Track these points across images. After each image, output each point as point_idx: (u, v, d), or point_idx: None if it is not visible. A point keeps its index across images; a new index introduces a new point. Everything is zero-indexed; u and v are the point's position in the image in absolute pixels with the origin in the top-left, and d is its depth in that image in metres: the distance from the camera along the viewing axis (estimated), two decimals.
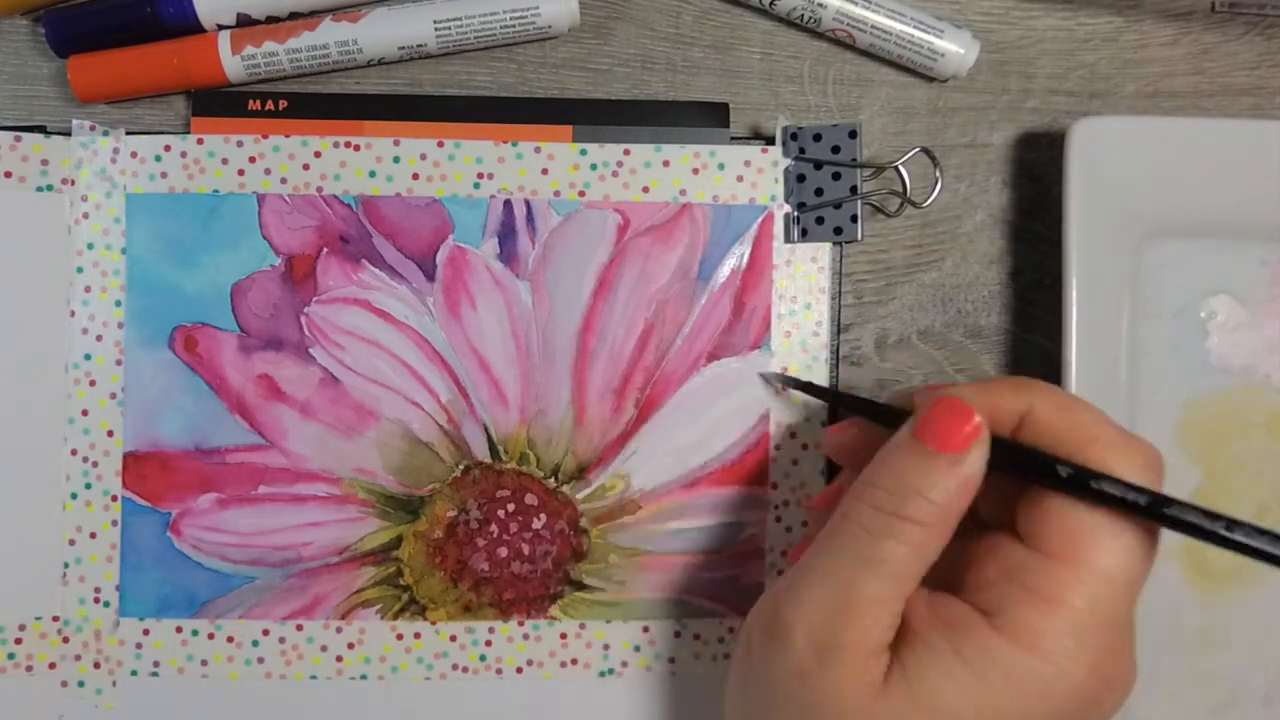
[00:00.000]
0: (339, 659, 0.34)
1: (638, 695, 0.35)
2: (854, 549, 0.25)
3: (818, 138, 0.34)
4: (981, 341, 0.36)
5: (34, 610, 0.33)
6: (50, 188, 0.33)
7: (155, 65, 0.33)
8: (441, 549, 0.34)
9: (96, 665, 0.33)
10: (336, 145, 0.34)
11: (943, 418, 0.25)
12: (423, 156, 0.34)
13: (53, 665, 0.33)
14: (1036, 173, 0.36)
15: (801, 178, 0.34)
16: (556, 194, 0.34)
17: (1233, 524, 0.22)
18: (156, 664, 0.34)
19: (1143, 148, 0.34)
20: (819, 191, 0.34)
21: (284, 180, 0.34)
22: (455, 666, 0.34)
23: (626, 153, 0.34)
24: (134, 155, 0.33)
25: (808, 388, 0.33)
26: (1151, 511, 0.23)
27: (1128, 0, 0.36)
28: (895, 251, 0.36)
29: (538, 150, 0.34)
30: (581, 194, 0.34)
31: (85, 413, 0.33)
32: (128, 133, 0.33)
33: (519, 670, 0.34)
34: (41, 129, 0.33)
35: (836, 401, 0.33)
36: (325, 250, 0.34)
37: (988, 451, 0.25)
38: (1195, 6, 0.37)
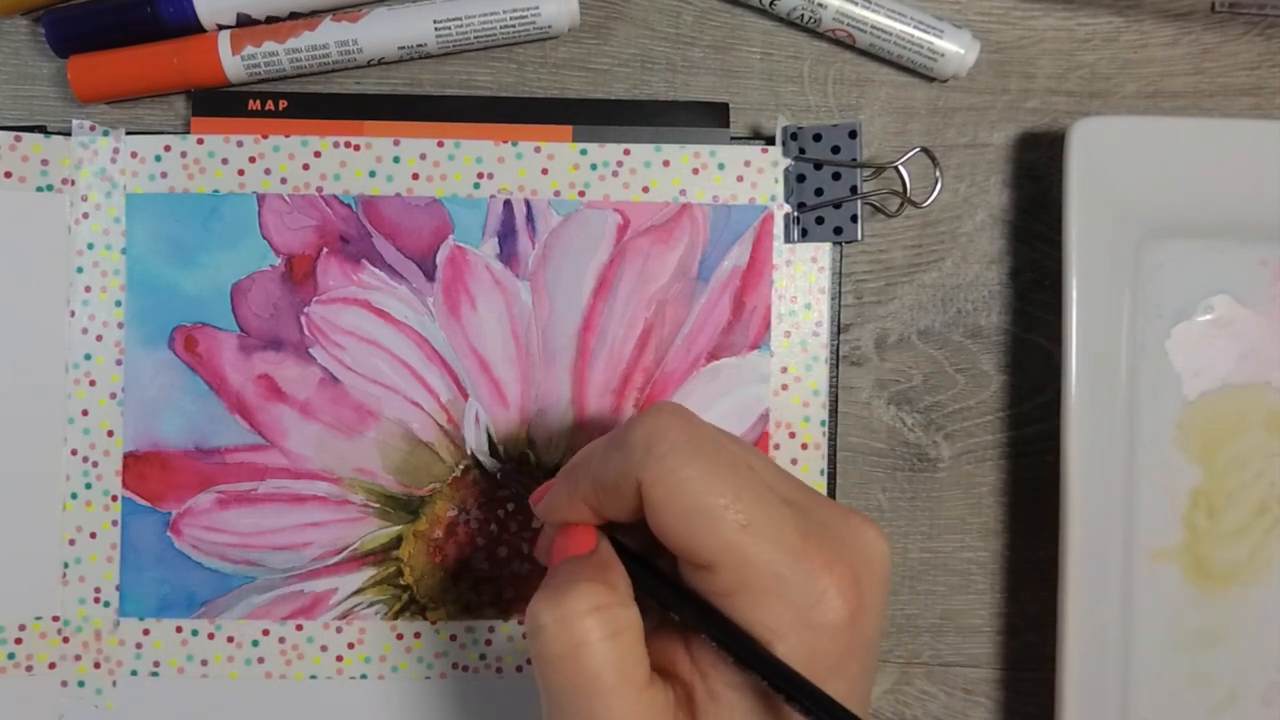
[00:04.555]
0: (339, 659, 0.34)
1: None
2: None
3: (818, 138, 0.34)
4: (981, 341, 0.36)
5: (34, 610, 0.33)
6: (50, 188, 0.33)
7: (155, 65, 0.33)
8: (441, 549, 0.34)
9: (96, 665, 0.33)
10: (336, 145, 0.34)
11: (563, 542, 0.27)
12: (423, 156, 0.34)
13: (53, 665, 0.33)
14: (1036, 173, 0.36)
15: (801, 178, 0.34)
16: (556, 194, 0.34)
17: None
18: (156, 664, 0.34)
19: (1143, 148, 0.34)
20: (819, 191, 0.34)
21: (284, 180, 0.34)
22: (455, 666, 0.34)
23: (626, 153, 0.34)
24: (134, 155, 0.33)
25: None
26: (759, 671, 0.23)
27: (1128, 0, 0.36)
28: (895, 251, 0.36)
29: (538, 150, 0.34)
30: (581, 194, 0.34)
31: (85, 413, 0.33)
32: (128, 133, 0.33)
33: (519, 670, 0.34)
34: (41, 129, 0.33)
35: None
36: (325, 250, 0.34)
37: (611, 547, 0.26)
38: (1195, 6, 0.37)
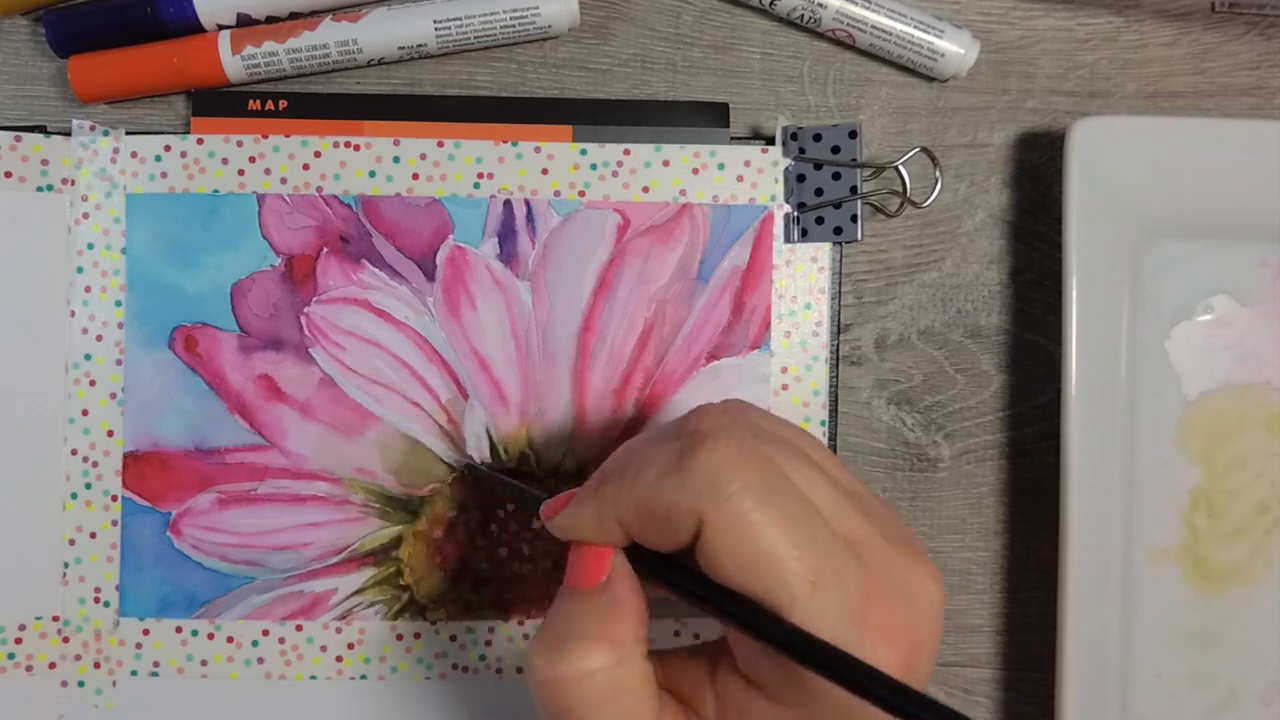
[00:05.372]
0: (339, 659, 0.34)
1: None
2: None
3: (818, 138, 0.34)
4: (981, 341, 0.36)
5: (34, 610, 0.33)
6: (50, 188, 0.33)
7: (155, 65, 0.33)
8: (441, 549, 0.34)
9: (96, 665, 0.33)
10: (336, 145, 0.34)
11: (578, 565, 0.25)
12: (423, 156, 0.34)
13: (53, 665, 0.33)
14: (1036, 173, 0.36)
15: (801, 178, 0.34)
16: (556, 194, 0.34)
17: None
18: (156, 664, 0.34)
19: (1143, 148, 0.34)
20: (819, 191, 0.34)
21: (284, 180, 0.34)
22: (455, 666, 0.34)
23: (626, 153, 0.34)
24: (134, 155, 0.33)
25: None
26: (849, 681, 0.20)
27: (1128, 0, 0.36)
28: (895, 251, 0.36)
29: (538, 150, 0.34)
30: (581, 194, 0.34)
31: (85, 413, 0.33)
32: (128, 133, 0.33)
33: (519, 670, 0.34)
34: (41, 129, 0.33)
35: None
36: (325, 250, 0.34)
37: (630, 572, 0.24)
38: (1195, 6, 0.37)
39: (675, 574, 0.23)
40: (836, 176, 0.34)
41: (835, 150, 0.34)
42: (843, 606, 0.22)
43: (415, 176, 0.34)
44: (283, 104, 0.34)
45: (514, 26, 0.34)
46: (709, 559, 0.22)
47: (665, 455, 0.23)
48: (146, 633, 0.34)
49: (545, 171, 0.34)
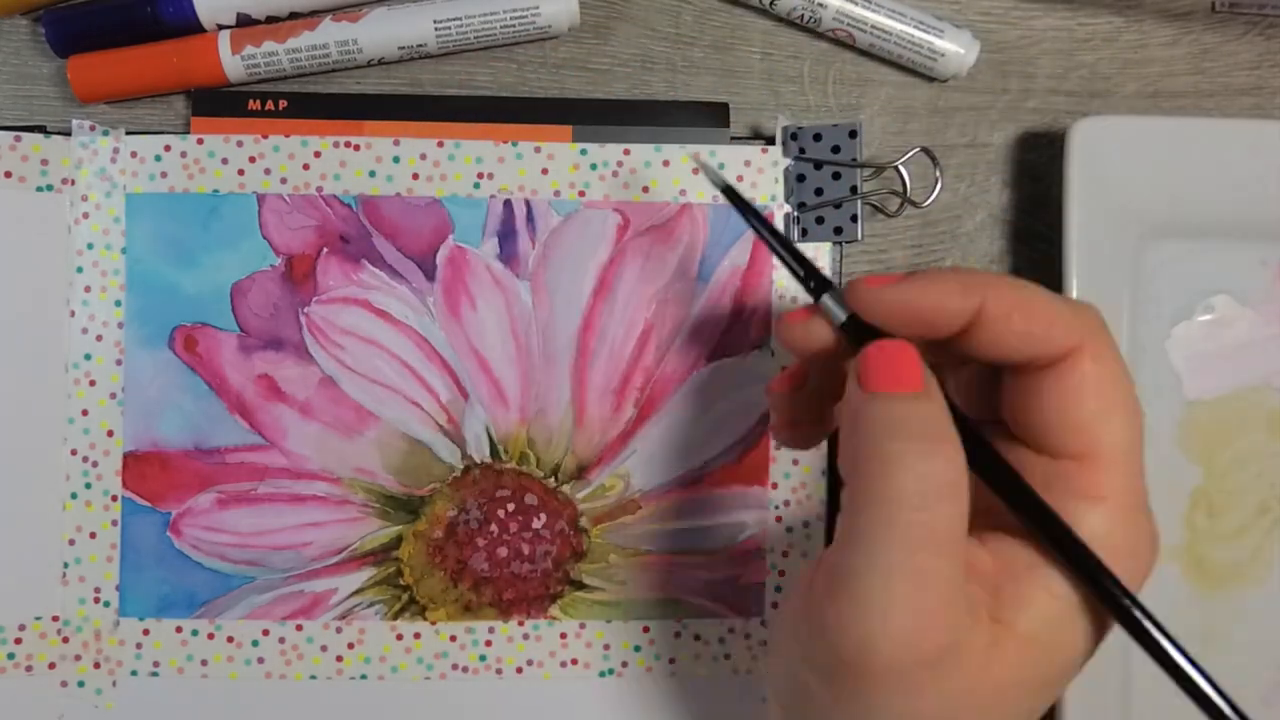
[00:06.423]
0: (339, 659, 0.34)
1: (638, 695, 0.35)
2: (898, 537, 0.22)
3: (818, 138, 0.34)
4: None
5: (34, 610, 0.33)
6: (50, 188, 0.33)
7: (155, 65, 0.33)
8: (441, 549, 0.34)
9: (96, 665, 0.33)
10: (336, 145, 0.34)
11: (885, 365, 0.23)
12: (423, 156, 0.34)
13: (53, 665, 0.33)
14: (1036, 173, 0.36)
15: (801, 178, 0.34)
16: (556, 194, 0.34)
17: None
18: (156, 664, 0.34)
19: (1143, 148, 0.34)
20: (819, 191, 0.34)
21: (284, 180, 0.34)
22: (455, 666, 0.34)
23: (626, 153, 0.34)
24: (134, 155, 0.33)
25: (742, 206, 0.29)
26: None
27: (1128, 0, 0.36)
28: (895, 251, 0.36)
29: (538, 150, 0.34)
30: (581, 194, 0.34)
31: (85, 413, 0.33)
32: (128, 133, 0.33)
33: (519, 670, 0.34)
34: (41, 129, 0.33)
35: (766, 238, 0.29)
36: (325, 250, 0.34)
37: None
38: (1195, 6, 0.37)
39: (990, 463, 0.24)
40: (836, 176, 0.34)
41: (835, 150, 0.34)
42: (1142, 476, 0.24)
43: (415, 176, 0.34)
44: (283, 104, 0.34)
45: (514, 26, 0.34)
46: (1066, 389, 0.23)
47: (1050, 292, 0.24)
48: (146, 633, 0.34)
49: (545, 171, 0.34)
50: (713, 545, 0.35)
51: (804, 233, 0.34)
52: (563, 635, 0.35)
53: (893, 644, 0.21)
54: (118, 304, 0.33)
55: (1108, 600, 0.23)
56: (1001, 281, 0.23)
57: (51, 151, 0.33)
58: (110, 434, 0.33)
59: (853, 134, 0.34)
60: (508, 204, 0.34)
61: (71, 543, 0.33)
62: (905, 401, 0.23)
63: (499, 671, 0.34)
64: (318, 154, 0.34)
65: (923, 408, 0.23)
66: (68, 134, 0.33)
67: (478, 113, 0.34)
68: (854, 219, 0.34)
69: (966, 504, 0.22)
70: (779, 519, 0.35)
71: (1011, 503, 0.23)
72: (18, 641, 0.33)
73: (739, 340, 0.34)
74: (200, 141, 0.33)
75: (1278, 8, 0.36)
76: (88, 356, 0.33)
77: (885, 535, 0.22)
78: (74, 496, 0.33)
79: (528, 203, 0.34)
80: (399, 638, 0.34)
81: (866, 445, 0.22)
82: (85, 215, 0.33)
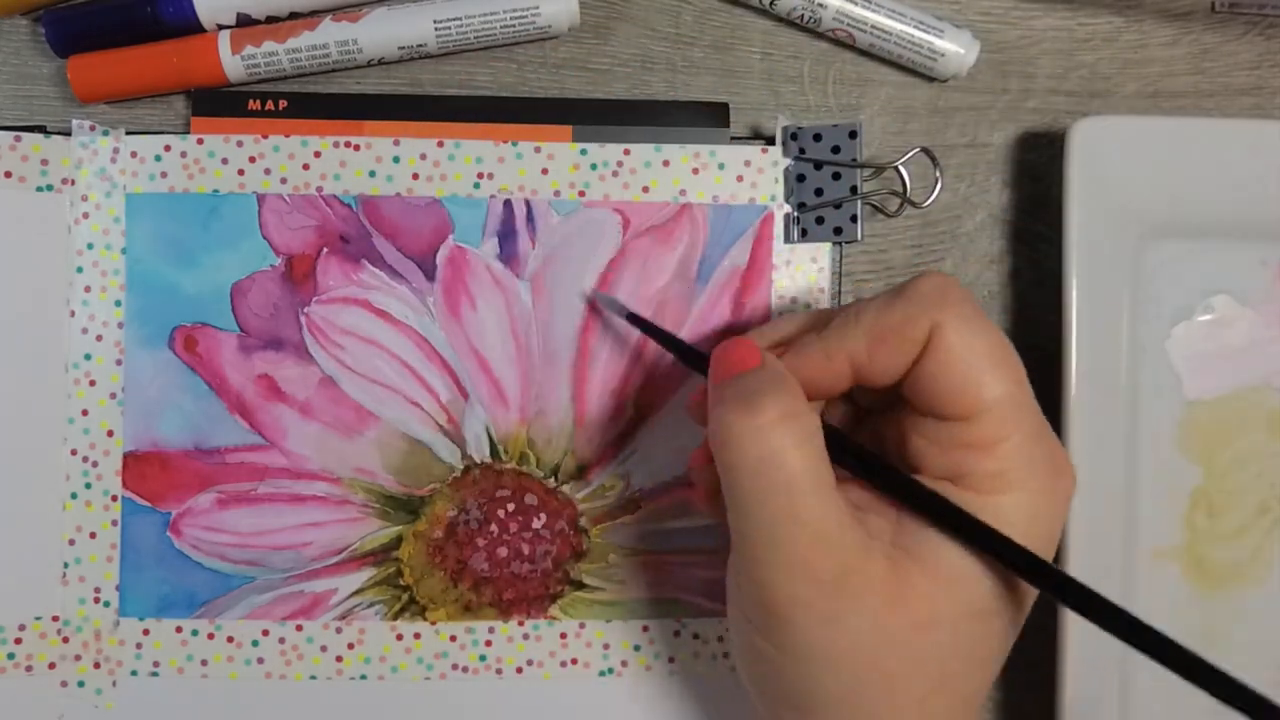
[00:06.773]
0: (339, 659, 0.34)
1: (638, 695, 0.35)
2: (758, 488, 0.24)
3: (818, 138, 0.34)
4: None
5: (34, 610, 0.33)
6: (50, 188, 0.33)
7: (155, 65, 0.33)
8: (441, 549, 0.34)
9: (96, 665, 0.33)
10: (336, 145, 0.34)
11: (725, 357, 0.27)
12: (423, 156, 0.34)
13: (53, 665, 0.33)
14: (1036, 173, 0.36)
15: (801, 178, 0.34)
16: (556, 194, 0.34)
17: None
18: (156, 664, 0.34)
19: (1143, 148, 0.34)
20: (819, 191, 0.34)
21: (284, 180, 0.34)
22: (455, 666, 0.34)
23: (626, 153, 0.34)
24: (134, 155, 0.33)
25: (644, 325, 0.33)
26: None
27: (1128, 0, 0.36)
28: (895, 251, 0.36)
29: (538, 150, 0.34)
30: (581, 194, 0.34)
31: (85, 412, 0.33)
32: (128, 133, 0.33)
33: (519, 670, 0.34)
34: (41, 129, 0.33)
35: (669, 346, 0.32)
36: (325, 250, 0.34)
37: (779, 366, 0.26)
38: (1195, 6, 0.37)
39: (861, 457, 0.26)
40: (836, 176, 0.34)
41: (835, 150, 0.34)
42: (1038, 417, 0.25)
43: (415, 176, 0.34)
44: (283, 104, 0.34)
45: (514, 26, 0.34)
46: (939, 363, 0.25)
47: (888, 293, 0.26)
48: (146, 633, 0.34)
49: (545, 171, 0.34)
50: (712, 545, 0.35)
51: (804, 233, 0.34)
52: (563, 635, 0.35)
53: (785, 574, 0.24)
54: (118, 304, 0.33)
55: (984, 546, 0.24)
56: (846, 323, 0.26)
57: (51, 151, 0.33)
58: (110, 434, 0.33)
59: (853, 134, 0.34)
60: (508, 204, 0.34)
61: (71, 543, 0.33)
62: (743, 375, 0.26)
63: (499, 671, 0.34)
64: (318, 154, 0.34)
65: (757, 373, 0.26)
66: (68, 134, 0.33)
67: (478, 113, 0.34)
68: (854, 219, 0.34)
69: (815, 442, 0.25)
70: None
71: (885, 488, 0.26)
72: (18, 641, 0.33)
73: None
74: (200, 141, 0.33)
75: (1278, 8, 0.36)
76: (88, 356, 0.33)
77: (747, 488, 0.24)
78: (74, 496, 0.33)
79: (528, 203, 0.34)
80: (399, 638, 0.34)
81: (713, 422, 0.25)
82: (85, 215, 0.33)
